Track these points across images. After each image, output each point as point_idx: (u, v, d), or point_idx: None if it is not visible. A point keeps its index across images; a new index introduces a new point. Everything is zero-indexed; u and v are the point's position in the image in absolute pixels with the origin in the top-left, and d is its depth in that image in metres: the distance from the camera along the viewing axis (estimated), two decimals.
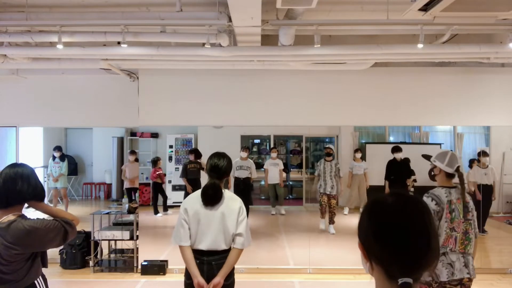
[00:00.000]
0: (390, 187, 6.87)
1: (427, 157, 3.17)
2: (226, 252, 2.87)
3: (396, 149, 6.86)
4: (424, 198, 2.96)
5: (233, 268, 2.97)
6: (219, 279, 2.79)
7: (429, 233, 1.03)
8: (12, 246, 2.06)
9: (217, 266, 2.83)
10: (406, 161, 6.80)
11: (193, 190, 7.09)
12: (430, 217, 1.06)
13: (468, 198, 3.02)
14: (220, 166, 2.86)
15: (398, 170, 6.79)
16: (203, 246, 2.84)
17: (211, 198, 2.85)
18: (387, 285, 1.05)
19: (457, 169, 3.00)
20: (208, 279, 2.80)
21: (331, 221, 6.89)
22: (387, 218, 1.05)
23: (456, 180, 3.03)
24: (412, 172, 6.76)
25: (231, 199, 2.92)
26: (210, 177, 2.87)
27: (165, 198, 7.30)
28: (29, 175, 2.23)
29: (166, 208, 7.26)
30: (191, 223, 2.86)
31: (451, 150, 3.06)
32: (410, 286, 1.01)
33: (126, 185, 7.32)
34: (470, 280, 3.01)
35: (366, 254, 1.09)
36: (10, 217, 2.14)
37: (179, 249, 2.88)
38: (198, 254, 2.86)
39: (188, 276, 2.88)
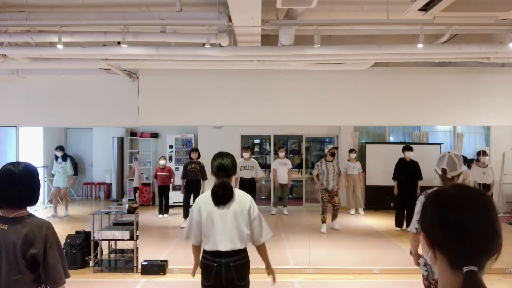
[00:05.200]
0: (399, 187, 6.81)
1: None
2: (242, 253, 2.93)
3: (406, 148, 6.79)
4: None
5: (249, 268, 3.04)
6: (269, 269, 3.11)
7: (493, 221, 1.05)
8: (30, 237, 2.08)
9: (235, 267, 2.86)
10: (415, 162, 6.74)
11: (191, 193, 6.99)
12: (493, 206, 1.08)
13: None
14: (225, 164, 2.92)
15: (407, 169, 6.74)
16: (221, 247, 2.86)
17: (222, 198, 2.89)
18: (450, 274, 1.07)
19: (443, 171, 2.96)
20: (227, 282, 2.84)
21: (335, 217, 6.84)
22: (453, 208, 1.07)
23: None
24: (420, 174, 6.63)
25: (242, 197, 2.98)
26: (218, 177, 2.92)
27: (166, 201, 7.26)
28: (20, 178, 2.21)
29: (166, 210, 7.22)
30: (205, 224, 2.89)
31: (449, 152, 3.05)
32: (476, 274, 1.02)
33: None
34: None
35: (430, 243, 1.12)
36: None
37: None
38: (216, 257, 2.87)
39: (206, 278, 2.90)
